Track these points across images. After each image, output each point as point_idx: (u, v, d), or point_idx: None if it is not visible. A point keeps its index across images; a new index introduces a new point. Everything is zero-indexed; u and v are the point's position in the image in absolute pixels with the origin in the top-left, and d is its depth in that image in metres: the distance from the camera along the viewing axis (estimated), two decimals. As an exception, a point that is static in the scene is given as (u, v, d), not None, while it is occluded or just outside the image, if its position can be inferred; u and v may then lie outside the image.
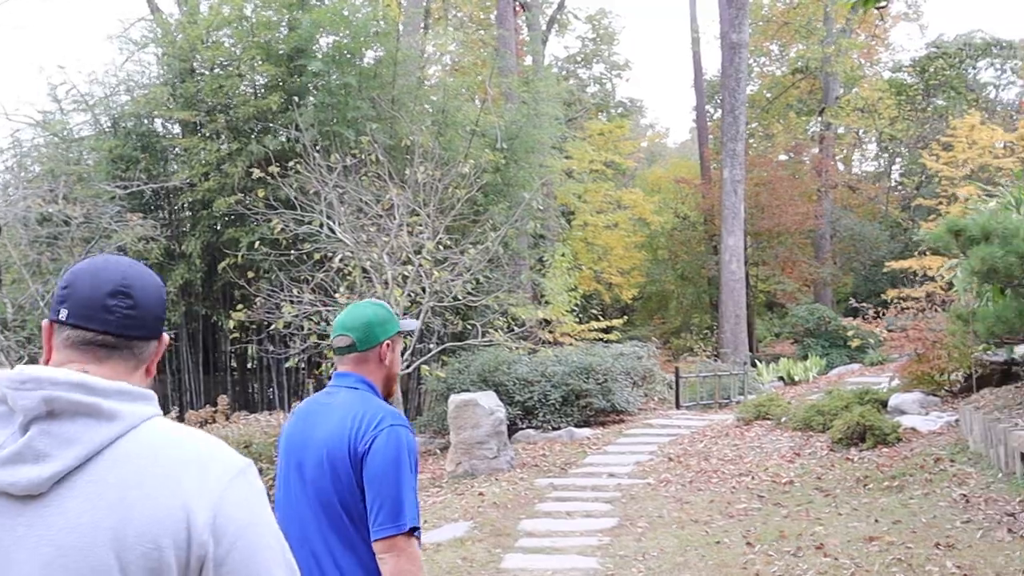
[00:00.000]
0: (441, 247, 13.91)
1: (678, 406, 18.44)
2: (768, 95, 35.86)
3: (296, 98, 17.30)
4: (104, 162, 17.73)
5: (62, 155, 18.77)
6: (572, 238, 29.91)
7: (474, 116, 19.25)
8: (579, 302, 24.59)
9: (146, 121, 18.65)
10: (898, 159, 33.93)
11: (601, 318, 25.61)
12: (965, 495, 9.00)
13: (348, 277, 13.42)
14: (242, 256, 15.48)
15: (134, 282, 1.71)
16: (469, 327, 14.62)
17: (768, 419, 14.49)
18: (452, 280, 13.74)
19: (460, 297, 13.79)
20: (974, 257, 10.24)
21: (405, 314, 13.49)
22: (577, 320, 24.19)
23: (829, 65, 30.46)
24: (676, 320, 35.43)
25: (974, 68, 34.71)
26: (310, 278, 13.57)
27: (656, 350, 22.37)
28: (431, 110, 19.47)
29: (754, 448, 12.88)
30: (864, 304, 24.80)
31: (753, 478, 11.18)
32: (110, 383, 1.58)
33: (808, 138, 35.13)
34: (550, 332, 23.54)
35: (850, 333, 24.09)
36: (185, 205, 18.24)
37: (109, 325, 1.66)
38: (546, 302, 24.17)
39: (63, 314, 1.66)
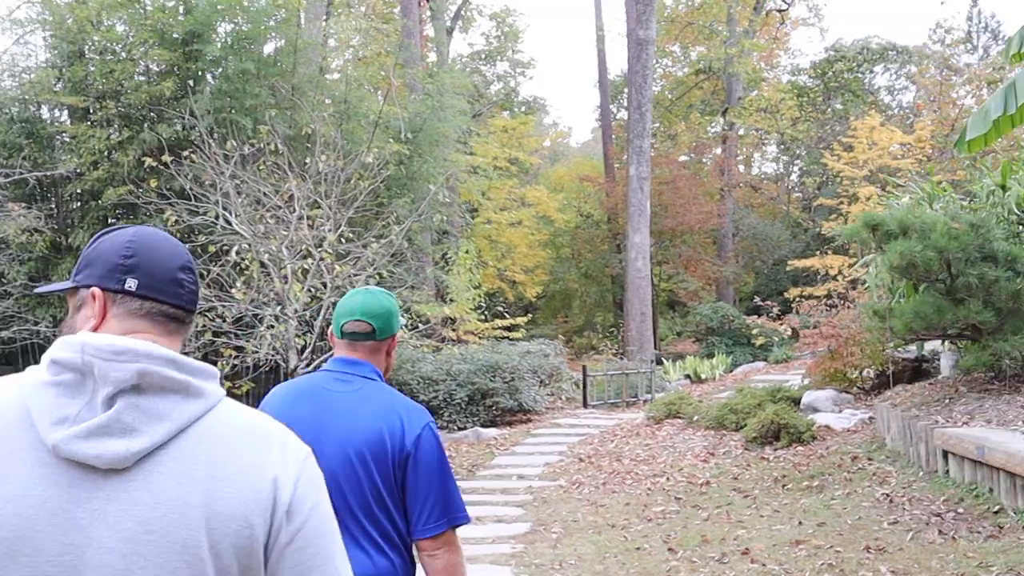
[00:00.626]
0: (343, 240, 13.28)
1: (586, 405, 18.01)
2: (671, 96, 35.75)
3: (192, 84, 16.48)
4: (-16, 149, 16.66)
5: (-61, 142, 17.66)
6: (476, 235, 29.40)
7: (377, 108, 18.59)
8: (483, 300, 24.11)
9: (32, 107, 17.57)
10: (798, 160, 34.09)
11: (506, 316, 25.19)
12: (888, 495, 8.67)
13: (246, 271, 12.74)
14: (133, 249, 14.57)
15: (190, 257, 1.71)
16: (372, 324, 13.97)
17: (679, 418, 14.12)
18: (355, 275, 13.13)
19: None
20: (892, 252, 9.98)
21: (305, 310, 12.86)
22: (481, 318, 23.69)
23: (732, 66, 30.43)
24: (579, 319, 35.18)
25: (871, 72, 35.12)
26: (205, 272, 12.86)
27: (563, 348, 21.94)
28: (332, 100, 18.73)
29: (667, 448, 12.48)
30: (768, 303, 24.79)
31: (668, 479, 10.76)
32: (193, 361, 1.55)
33: (711, 138, 35.13)
34: (454, 330, 23.02)
35: (755, 331, 24.01)
36: (73, 195, 17.19)
37: (182, 299, 1.66)
38: (450, 299, 23.65)
39: (131, 284, 1.61)
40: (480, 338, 22.85)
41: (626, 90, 34.12)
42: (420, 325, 14.42)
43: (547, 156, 47.63)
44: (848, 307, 15.90)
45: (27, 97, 17.29)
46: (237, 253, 12.59)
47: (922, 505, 8.18)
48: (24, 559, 1.38)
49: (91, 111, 16.93)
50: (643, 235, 23.97)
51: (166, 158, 13.29)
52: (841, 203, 25.08)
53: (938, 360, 12.52)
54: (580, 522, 9.12)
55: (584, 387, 18.20)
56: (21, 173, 14.93)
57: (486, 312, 23.94)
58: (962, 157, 21.24)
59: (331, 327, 3.01)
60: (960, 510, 7.83)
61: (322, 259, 12.78)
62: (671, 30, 34.29)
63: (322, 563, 1.55)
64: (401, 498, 2.78)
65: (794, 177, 36.04)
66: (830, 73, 33.35)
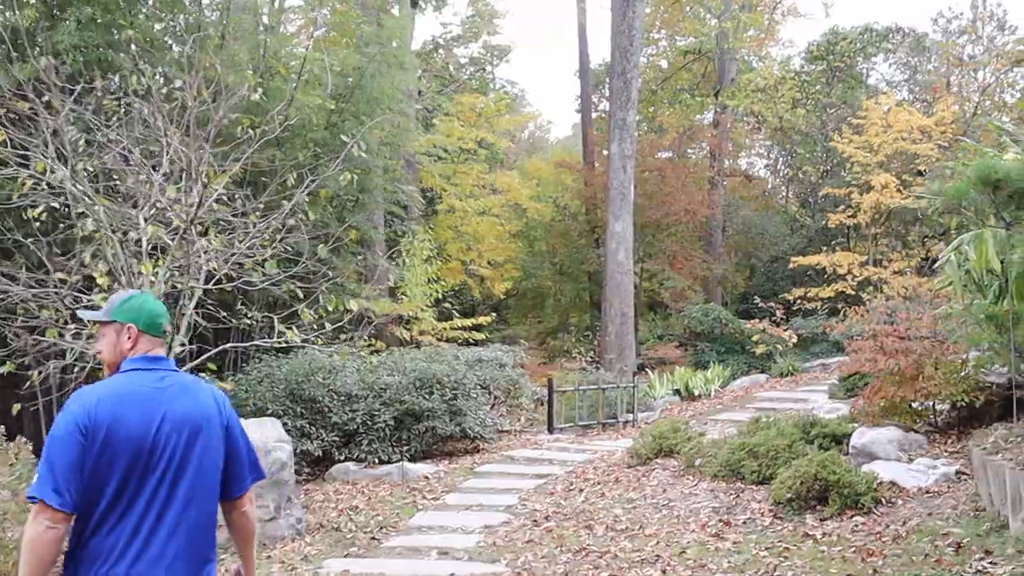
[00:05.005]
0: (216, 205, 9.26)
1: (551, 429, 13.87)
2: (656, 88, 31.50)
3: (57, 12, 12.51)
4: None
5: None
6: (440, 225, 25.40)
7: (309, 58, 14.50)
8: (442, 295, 20.23)
9: None
10: (796, 148, 29.91)
11: (474, 314, 21.38)
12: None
13: (101, 253, 8.74)
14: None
15: None
16: (263, 320, 9.78)
17: (673, 457, 10.01)
18: (233, 253, 9.19)
19: (257, 281, 9.25)
20: (1036, 220, 5.93)
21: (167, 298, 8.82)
22: (438, 316, 19.78)
23: (726, 41, 26.32)
24: (553, 319, 31.18)
25: (873, 57, 31.19)
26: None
27: (524, 355, 17.80)
28: (243, 40, 14.65)
29: (659, 507, 8.36)
30: (771, 304, 20.77)
31: (667, 572, 6.66)
32: None
33: (700, 126, 30.86)
34: (407, 329, 19.27)
35: (754, 338, 19.93)
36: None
37: None
38: (403, 295, 19.81)
39: None
40: (438, 339, 19.11)
41: (608, 80, 30.18)
42: (329, 323, 10.11)
43: (525, 147, 43.67)
44: (865, 310, 11.72)
45: None
46: (59, 212, 8.66)
47: None
48: None
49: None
50: (625, 223, 19.83)
51: (22, 105, 9.24)
52: (851, 192, 21.11)
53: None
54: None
55: (549, 406, 14.04)
56: None
57: (449, 309, 20.05)
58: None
59: (134, 323, 3.11)
60: None
61: (200, 230, 8.91)
62: (659, 6, 30.13)
63: None
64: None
65: (790, 168, 31.83)
66: (831, 56, 29.28)
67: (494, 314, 24.46)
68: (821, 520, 7.35)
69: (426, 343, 18.57)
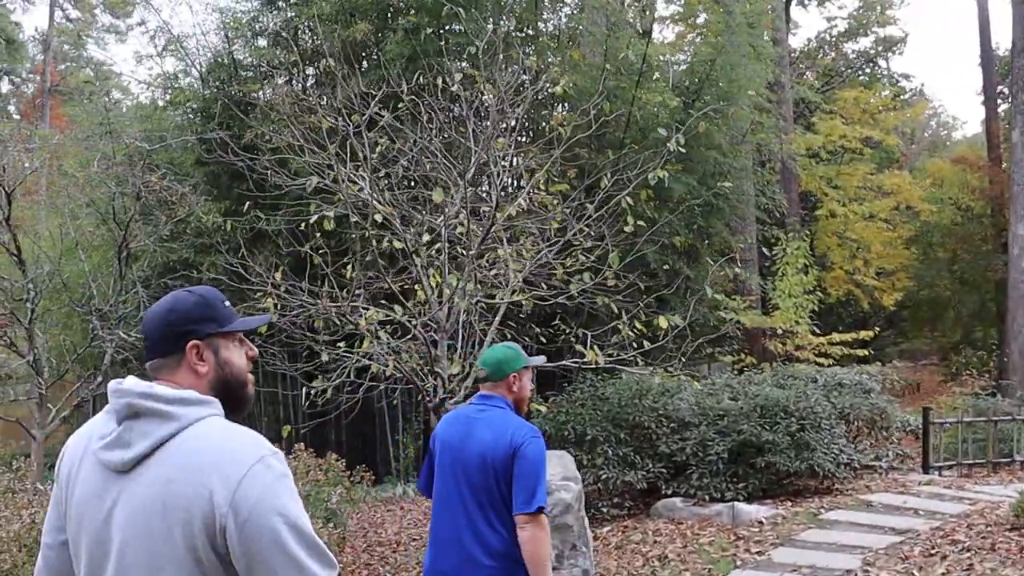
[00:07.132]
0: (535, 206, 8.49)
1: (925, 468, 11.52)
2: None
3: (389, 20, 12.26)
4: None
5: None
6: (820, 231, 23.22)
7: (651, 52, 13.23)
8: (821, 307, 18.40)
9: (226, 68, 14.07)
10: None
11: (856, 327, 19.28)
12: None
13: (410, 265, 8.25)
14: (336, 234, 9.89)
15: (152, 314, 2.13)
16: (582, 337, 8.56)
17: (1074, 520, 7.63)
18: (548, 261, 8.36)
19: (576, 293, 8.31)
20: None
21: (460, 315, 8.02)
22: (815, 330, 17.90)
23: None
24: (955, 332, 27.69)
25: None
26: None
27: (897, 378, 15.30)
28: (575, 38, 13.67)
29: (1044, 595, 6.18)
30: None
31: None
32: (171, 392, 2.02)
33: None
34: (782, 343, 17.66)
35: None
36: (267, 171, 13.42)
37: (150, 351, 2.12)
38: (774, 307, 18.15)
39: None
40: (818, 355, 17.37)
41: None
42: (646, 342, 8.59)
43: (925, 146, 39.79)
44: None
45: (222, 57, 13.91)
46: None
47: None
48: (85, 522, 2.02)
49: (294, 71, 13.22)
50: (1032, 225, 16.69)
51: (355, 118, 8.82)
52: None
53: None
54: None
55: (925, 441, 11.67)
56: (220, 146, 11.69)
57: (838, 323, 18.07)
58: None
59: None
60: None
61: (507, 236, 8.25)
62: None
63: (265, 548, 1.89)
64: (508, 486, 3.58)
65: None
66: None
67: (879, 329, 21.96)
68: None
69: (803, 359, 16.88)
